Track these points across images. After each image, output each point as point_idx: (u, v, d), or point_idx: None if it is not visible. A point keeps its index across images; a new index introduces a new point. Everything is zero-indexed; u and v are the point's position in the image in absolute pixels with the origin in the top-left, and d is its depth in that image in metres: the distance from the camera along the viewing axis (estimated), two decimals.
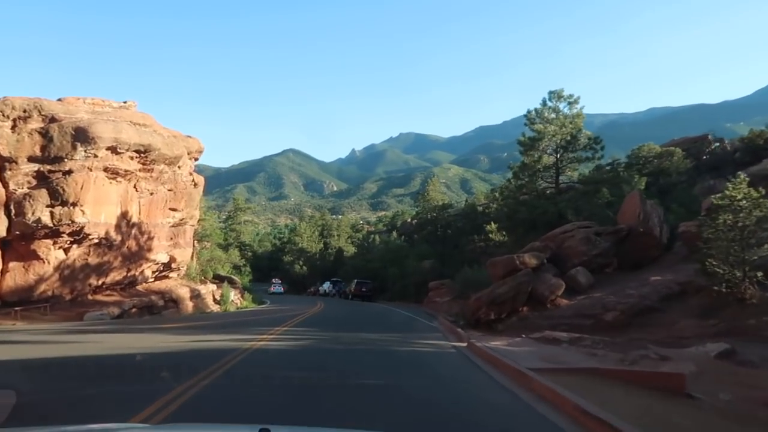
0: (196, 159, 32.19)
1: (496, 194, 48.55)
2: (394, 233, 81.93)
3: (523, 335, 14.70)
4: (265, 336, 14.20)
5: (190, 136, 30.75)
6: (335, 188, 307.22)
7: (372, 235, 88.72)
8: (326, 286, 59.80)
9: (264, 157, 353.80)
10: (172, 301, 28.70)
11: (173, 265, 28.01)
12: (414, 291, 42.40)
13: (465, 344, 13.91)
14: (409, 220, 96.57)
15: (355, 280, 49.50)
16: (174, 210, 27.65)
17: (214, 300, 33.94)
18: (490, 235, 35.80)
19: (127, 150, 22.58)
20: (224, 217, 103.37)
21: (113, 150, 22.07)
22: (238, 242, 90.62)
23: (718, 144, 55.64)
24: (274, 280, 71.26)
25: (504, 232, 36.78)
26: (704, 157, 53.05)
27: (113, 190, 23.77)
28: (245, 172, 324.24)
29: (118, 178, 23.76)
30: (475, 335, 15.71)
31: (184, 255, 28.96)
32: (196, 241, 43.67)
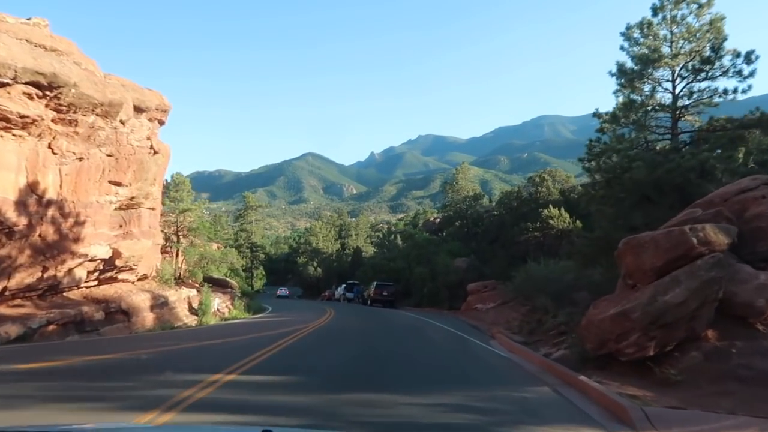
0: (162, 122, 23.80)
1: (544, 176, 39.39)
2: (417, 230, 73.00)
3: None
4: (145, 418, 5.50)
5: (149, 89, 22.40)
6: (354, 191, 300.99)
7: (393, 234, 79.73)
8: (340, 289, 50.90)
9: (283, 161, 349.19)
10: (121, 313, 20.28)
11: (118, 262, 19.52)
12: (447, 295, 33.48)
13: None
14: (431, 218, 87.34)
15: (375, 283, 40.63)
16: (117, 184, 19.19)
17: (191, 309, 25.49)
18: (550, 222, 26.85)
19: (15, 79, 14.12)
20: (235, 217, 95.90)
21: None
22: (249, 243, 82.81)
23: None
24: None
25: (570, 216, 27.75)
26: None
27: (9, 149, 15.39)
28: (265, 177, 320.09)
29: (15, 130, 15.34)
30: (636, 395, 6.82)
31: (136, 249, 20.48)
32: (182, 236, 35.45)
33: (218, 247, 71.46)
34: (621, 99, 17.41)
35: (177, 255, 34.89)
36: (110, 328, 19.41)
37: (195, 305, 25.66)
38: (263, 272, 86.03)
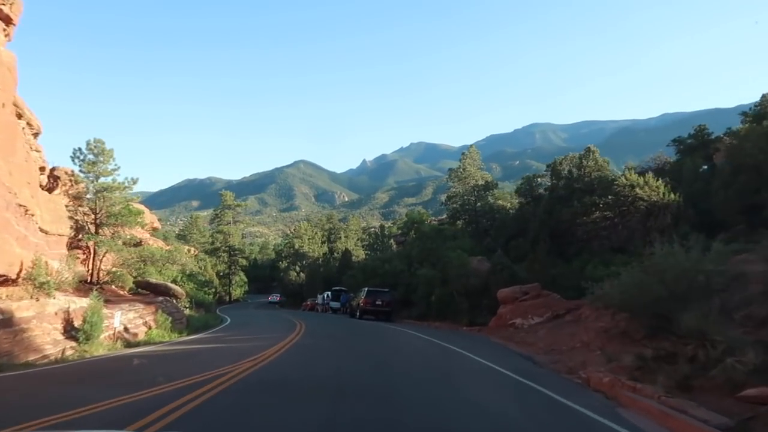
0: (6, 19, 14.01)
1: (591, 147, 29.82)
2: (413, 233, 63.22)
3: None
4: None
5: None
6: (346, 198, 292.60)
7: (387, 237, 69.88)
8: (323, 298, 40.81)
9: (275, 169, 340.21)
10: None
11: None
12: (466, 305, 23.75)
13: None
14: (428, 221, 78.06)
15: (366, 289, 30.77)
16: None
17: (68, 331, 15.51)
18: (637, 191, 17.26)
19: None
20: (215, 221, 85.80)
21: None
22: (227, 246, 72.65)
23: None
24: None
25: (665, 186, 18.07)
26: None
27: None
28: (256, 184, 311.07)
29: None
30: None
31: None
32: (96, 226, 25.51)
33: (196, 252, 61.19)
34: None
35: (93, 251, 24.98)
36: None
37: (78, 323, 15.68)
38: (244, 279, 75.86)
